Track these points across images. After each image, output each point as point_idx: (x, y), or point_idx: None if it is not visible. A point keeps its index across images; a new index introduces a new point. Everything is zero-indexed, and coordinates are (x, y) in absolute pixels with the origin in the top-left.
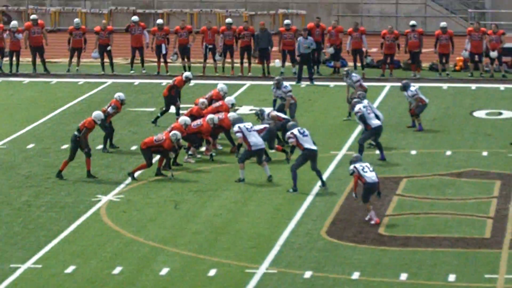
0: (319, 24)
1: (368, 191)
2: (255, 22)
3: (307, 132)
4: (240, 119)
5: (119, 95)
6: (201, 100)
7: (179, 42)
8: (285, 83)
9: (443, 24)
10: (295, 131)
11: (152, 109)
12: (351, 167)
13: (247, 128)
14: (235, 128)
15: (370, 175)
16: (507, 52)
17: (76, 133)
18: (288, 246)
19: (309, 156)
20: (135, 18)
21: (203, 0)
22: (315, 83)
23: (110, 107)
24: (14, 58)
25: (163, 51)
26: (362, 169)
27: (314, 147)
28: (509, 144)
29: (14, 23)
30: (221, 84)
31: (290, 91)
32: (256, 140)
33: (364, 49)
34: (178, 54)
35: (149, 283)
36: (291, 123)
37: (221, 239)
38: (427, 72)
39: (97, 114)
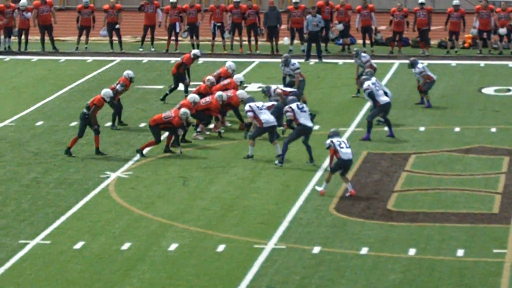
0: (328, 2)
1: (339, 166)
2: (264, 0)
3: (306, 108)
4: (251, 99)
5: (128, 72)
6: (208, 77)
7: (188, 21)
8: (293, 61)
9: (456, 2)
10: (293, 105)
11: (161, 87)
12: (328, 141)
13: (258, 107)
14: (246, 107)
15: (346, 151)
16: None
17: (85, 110)
18: (296, 222)
19: (303, 132)
20: None
21: None
22: (324, 60)
23: (118, 85)
24: (22, 37)
25: (177, 30)
26: (339, 144)
27: (310, 124)
28: None
29: (23, 1)
30: (229, 62)
31: (298, 68)
32: (267, 117)
33: (373, 27)
34: (188, 31)
35: (157, 259)
36: (291, 97)
37: (230, 215)
38: (436, 50)
39: (106, 91)
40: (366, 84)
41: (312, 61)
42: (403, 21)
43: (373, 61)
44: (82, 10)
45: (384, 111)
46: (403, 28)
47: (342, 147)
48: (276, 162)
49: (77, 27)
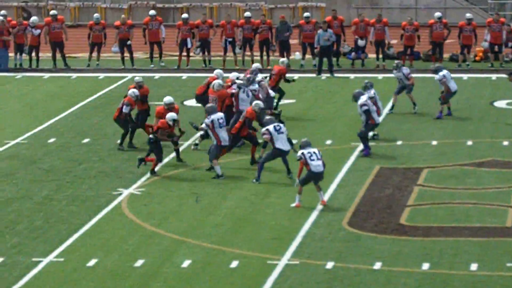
0: (336, 17)
1: (310, 178)
2: (275, 15)
3: (283, 130)
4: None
5: (133, 91)
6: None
7: (200, 36)
8: (259, 75)
9: (468, 15)
10: (271, 127)
11: None
12: (299, 153)
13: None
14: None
15: (316, 164)
16: None
17: (151, 136)
18: (309, 237)
19: (279, 155)
20: (152, 12)
21: None
22: (335, 75)
23: (124, 106)
24: (33, 54)
25: (189, 45)
26: (310, 156)
27: (286, 148)
28: None
29: (33, 18)
30: (217, 70)
31: (261, 80)
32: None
33: (386, 41)
34: (200, 47)
35: (170, 275)
36: (268, 118)
37: (243, 230)
38: (447, 63)
39: (170, 115)
40: (363, 100)
41: (324, 76)
42: (414, 35)
43: (390, 75)
44: (93, 26)
45: (374, 128)
46: (414, 42)
47: (313, 159)
48: (254, 180)
49: (88, 44)
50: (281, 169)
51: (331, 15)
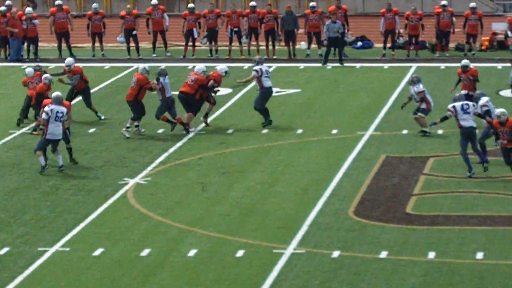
0: (340, 6)
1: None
2: (281, 4)
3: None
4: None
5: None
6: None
7: (207, 26)
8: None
9: (472, 4)
10: (257, 67)
11: (177, 93)
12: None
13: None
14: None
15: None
16: None
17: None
18: (315, 226)
19: (269, 94)
20: (154, 1)
21: None
22: (335, 65)
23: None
24: (30, 45)
25: (195, 35)
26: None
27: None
28: None
29: (28, 9)
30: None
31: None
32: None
33: (396, 30)
34: (207, 37)
35: (177, 265)
36: (257, 57)
37: (249, 220)
38: (453, 52)
39: (199, 68)
40: (484, 101)
41: (330, 65)
42: (418, 24)
43: (396, 64)
44: (92, 16)
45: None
46: (419, 32)
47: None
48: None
49: (89, 34)
50: (287, 158)
51: (334, 5)
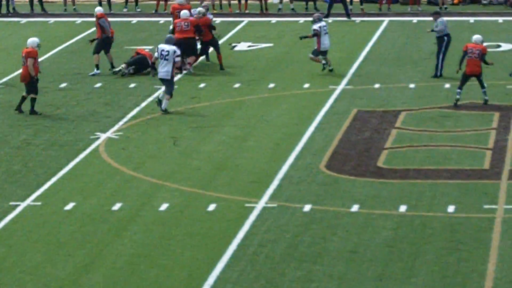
0: None
1: None
2: None
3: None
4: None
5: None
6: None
7: None
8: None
9: None
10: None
11: (150, 47)
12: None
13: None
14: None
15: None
16: None
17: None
18: (287, 180)
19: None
20: None
21: None
22: (308, 19)
23: None
24: None
25: None
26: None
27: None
28: (509, 75)
29: None
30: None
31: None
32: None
33: None
34: None
35: (149, 219)
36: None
37: (221, 174)
38: (426, 6)
39: None
40: (316, 26)
41: (302, 20)
42: None
43: (368, 18)
44: None
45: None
46: None
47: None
48: None
49: None
50: (258, 113)
51: None
